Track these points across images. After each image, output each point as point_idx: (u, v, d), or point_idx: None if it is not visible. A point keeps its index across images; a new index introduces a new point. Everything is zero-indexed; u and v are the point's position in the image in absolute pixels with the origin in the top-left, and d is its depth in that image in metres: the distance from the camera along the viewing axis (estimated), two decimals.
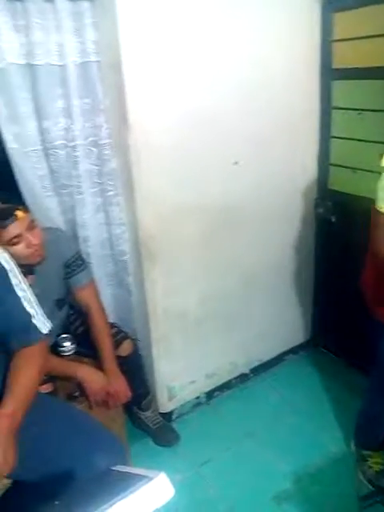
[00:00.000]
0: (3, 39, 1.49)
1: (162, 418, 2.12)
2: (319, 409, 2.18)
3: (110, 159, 1.80)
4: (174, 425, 2.15)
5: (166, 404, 2.17)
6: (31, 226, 1.49)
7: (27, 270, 1.51)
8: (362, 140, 1.97)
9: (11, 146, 1.62)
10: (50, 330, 1.30)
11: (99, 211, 1.90)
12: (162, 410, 2.17)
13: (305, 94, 2.09)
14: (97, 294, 1.82)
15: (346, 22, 1.93)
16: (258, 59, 1.90)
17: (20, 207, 1.48)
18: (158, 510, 0.61)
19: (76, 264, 1.74)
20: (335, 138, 2.14)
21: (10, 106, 1.59)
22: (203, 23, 1.73)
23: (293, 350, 2.56)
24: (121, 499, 0.58)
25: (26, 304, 1.23)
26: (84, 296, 1.78)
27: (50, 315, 1.34)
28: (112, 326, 1.89)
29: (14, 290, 1.21)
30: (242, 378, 2.40)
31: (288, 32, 1.94)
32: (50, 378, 1.62)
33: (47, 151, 1.71)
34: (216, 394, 2.33)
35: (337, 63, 2.03)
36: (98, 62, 1.68)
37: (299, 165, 2.21)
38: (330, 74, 2.06)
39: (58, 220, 1.85)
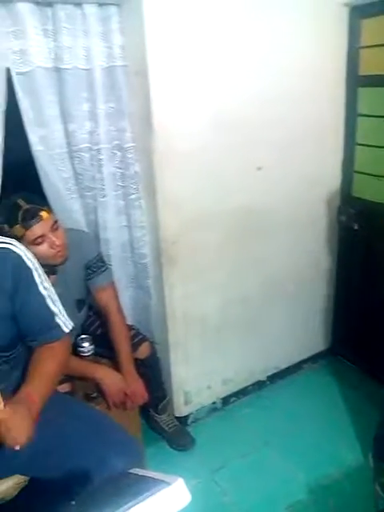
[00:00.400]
0: (32, 43, 1.52)
1: (177, 422, 2.12)
2: (337, 419, 2.15)
3: (134, 163, 1.81)
4: (190, 429, 2.15)
5: (181, 408, 2.17)
6: (55, 227, 1.51)
7: (50, 270, 1.53)
8: None
9: (37, 148, 1.65)
10: (72, 330, 1.32)
11: (121, 214, 1.92)
12: (177, 414, 2.17)
13: (330, 101, 2.08)
14: (116, 296, 1.83)
15: (374, 29, 1.91)
16: (284, 65, 1.89)
17: (44, 208, 1.50)
18: None
19: (97, 265, 1.75)
20: (360, 145, 2.12)
21: (37, 108, 1.62)
22: (229, 29, 1.74)
23: (311, 359, 2.53)
24: (137, 503, 0.58)
25: (49, 302, 1.24)
26: (103, 297, 1.79)
27: (70, 315, 1.35)
28: (130, 328, 1.90)
29: (39, 289, 1.23)
30: (259, 384, 2.38)
31: (314, 38, 1.93)
32: (68, 377, 1.63)
33: (72, 154, 1.74)
34: (232, 400, 2.31)
35: (363, 70, 2.01)
36: (123, 66, 1.70)
37: (323, 171, 2.19)
38: (356, 80, 2.05)
39: (80, 221, 1.87)
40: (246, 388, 2.34)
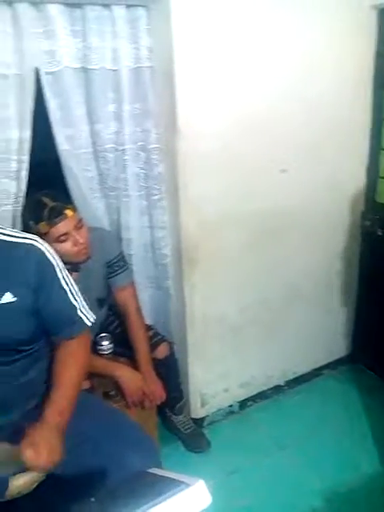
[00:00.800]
0: (61, 44, 1.54)
1: (193, 424, 2.11)
2: (355, 427, 2.12)
3: (158, 163, 1.82)
4: (206, 431, 2.14)
5: (198, 410, 2.17)
6: (79, 225, 1.53)
7: (72, 267, 1.55)
8: None
9: (63, 147, 1.67)
10: (93, 323, 1.33)
11: (143, 214, 1.93)
12: (194, 416, 2.16)
13: (356, 104, 2.06)
14: (135, 296, 1.84)
15: None
16: (310, 67, 1.88)
17: (69, 206, 1.52)
18: None
19: (118, 265, 1.77)
20: None
21: (64, 108, 1.63)
22: (254, 30, 1.73)
23: (331, 365, 2.50)
24: (158, 503, 0.58)
25: (71, 297, 1.26)
26: (123, 297, 1.81)
27: None
28: (149, 328, 1.90)
29: (61, 284, 1.24)
30: (277, 389, 2.36)
31: (341, 40, 1.91)
32: (88, 375, 1.64)
33: (97, 154, 1.75)
34: (249, 403, 2.30)
35: None
36: (150, 67, 1.71)
37: (347, 176, 2.17)
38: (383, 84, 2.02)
39: (103, 221, 1.89)
40: (263, 392, 2.33)
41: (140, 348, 1.76)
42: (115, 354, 1.78)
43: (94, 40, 1.58)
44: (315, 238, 2.19)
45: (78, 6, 1.54)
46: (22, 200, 1.63)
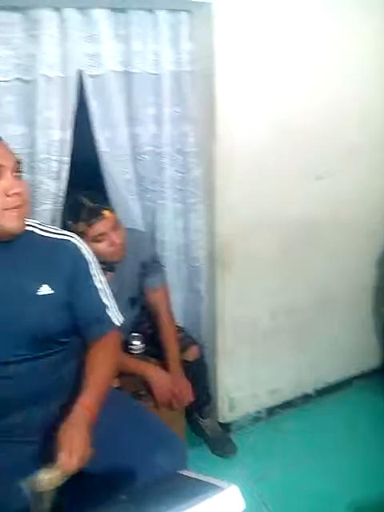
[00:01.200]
0: (105, 48, 1.57)
1: (220, 428, 2.11)
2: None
3: (195, 167, 1.83)
4: (232, 436, 2.13)
5: (226, 414, 2.16)
6: (116, 226, 1.56)
7: (108, 267, 1.57)
8: None
9: (103, 149, 1.70)
10: (122, 324, 1.34)
11: (178, 217, 1.94)
12: (221, 420, 2.16)
13: None
14: (167, 298, 1.85)
15: None
16: (349, 74, 1.86)
17: (107, 207, 1.55)
18: None
19: (152, 266, 1.79)
20: None
21: (105, 110, 1.66)
22: (295, 37, 1.73)
23: (362, 375, 2.44)
24: (191, 505, 0.58)
25: (102, 295, 1.27)
26: (155, 298, 1.82)
27: (122, 312, 1.37)
28: (180, 330, 1.91)
29: (94, 281, 1.26)
30: (306, 398, 2.33)
31: (381, 48, 1.88)
32: (118, 373, 1.66)
33: (135, 156, 1.77)
34: (277, 411, 2.27)
35: None
36: (190, 71, 1.72)
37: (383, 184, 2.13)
38: None
39: (138, 223, 1.91)
40: (292, 400, 2.30)
41: (170, 349, 1.77)
42: (146, 354, 1.80)
43: (137, 44, 1.61)
44: (350, 245, 2.15)
45: (123, 10, 1.56)
46: (61, 200, 1.67)
